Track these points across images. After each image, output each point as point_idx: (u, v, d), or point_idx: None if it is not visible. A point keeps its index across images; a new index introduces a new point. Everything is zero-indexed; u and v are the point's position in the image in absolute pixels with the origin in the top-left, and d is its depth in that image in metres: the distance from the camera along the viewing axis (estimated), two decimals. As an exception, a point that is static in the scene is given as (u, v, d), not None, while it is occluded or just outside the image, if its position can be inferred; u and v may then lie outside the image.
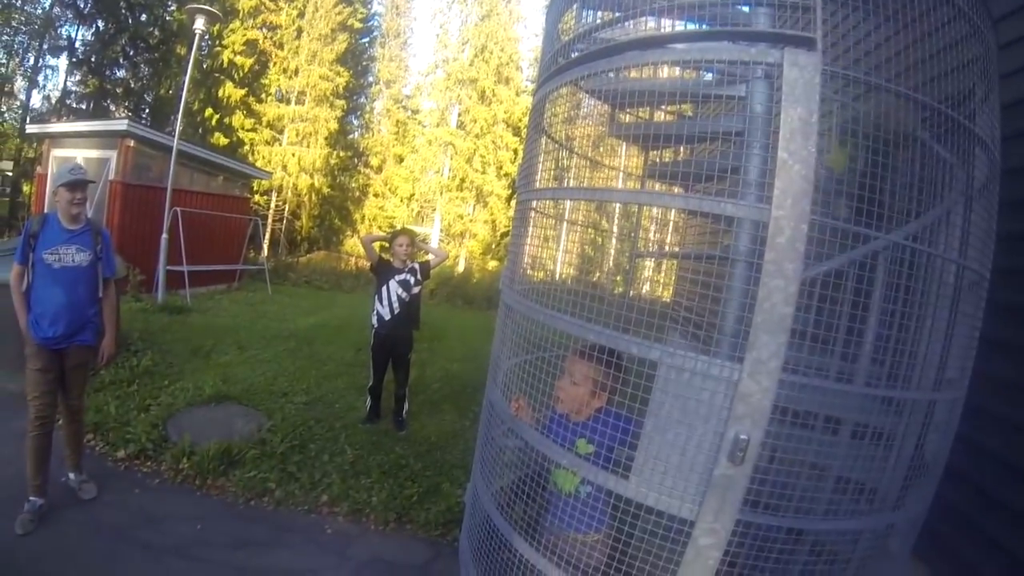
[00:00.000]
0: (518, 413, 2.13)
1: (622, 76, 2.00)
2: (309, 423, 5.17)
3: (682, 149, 2.59)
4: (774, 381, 1.47)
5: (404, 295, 5.31)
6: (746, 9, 1.76)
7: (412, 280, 5.36)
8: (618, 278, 3.04)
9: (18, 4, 24.24)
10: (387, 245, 5.72)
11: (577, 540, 1.97)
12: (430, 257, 6.06)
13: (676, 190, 2.45)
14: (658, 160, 2.56)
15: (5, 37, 24.53)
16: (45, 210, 13.53)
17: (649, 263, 3.28)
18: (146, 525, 3.59)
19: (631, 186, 2.66)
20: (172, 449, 4.41)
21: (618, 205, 2.94)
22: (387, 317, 5.30)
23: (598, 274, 3.16)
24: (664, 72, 2.07)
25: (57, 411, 3.66)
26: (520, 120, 29.21)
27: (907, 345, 1.78)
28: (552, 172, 2.47)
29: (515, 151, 29.18)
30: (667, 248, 3.15)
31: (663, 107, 2.24)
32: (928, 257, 1.80)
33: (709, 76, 1.95)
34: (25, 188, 24.25)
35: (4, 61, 24.86)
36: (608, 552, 1.85)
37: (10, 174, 26.12)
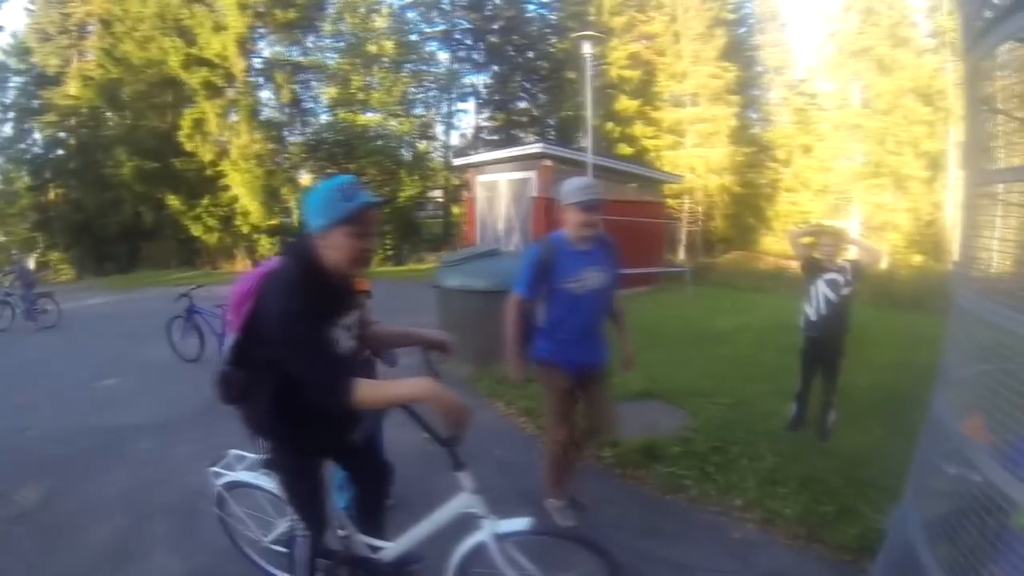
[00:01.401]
0: (974, 434, 1.81)
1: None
2: (731, 425, 5.23)
3: None
4: None
5: (832, 296, 4.97)
6: None
7: (842, 280, 4.98)
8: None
9: (426, 68, 31.06)
10: (815, 241, 5.44)
11: None
12: (862, 256, 5.57)
13: None
14: None
15: (421, 94, 31.49)
16: (486, 230, 15.88)
17: None
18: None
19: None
20: (599, 439, 4.76)
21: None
22: (814, 318, 5.06)
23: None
24: None
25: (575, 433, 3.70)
26: (929, 86, 24.84)
27: None
28: (1009, 148, 2.03)
29: (929, 123, 24.95)
30: None
31: None
32: None
33: None
34: (454, 211, 30.20)
35: (424, 112, 31.82)
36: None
37: (441, 200, 32.46)
